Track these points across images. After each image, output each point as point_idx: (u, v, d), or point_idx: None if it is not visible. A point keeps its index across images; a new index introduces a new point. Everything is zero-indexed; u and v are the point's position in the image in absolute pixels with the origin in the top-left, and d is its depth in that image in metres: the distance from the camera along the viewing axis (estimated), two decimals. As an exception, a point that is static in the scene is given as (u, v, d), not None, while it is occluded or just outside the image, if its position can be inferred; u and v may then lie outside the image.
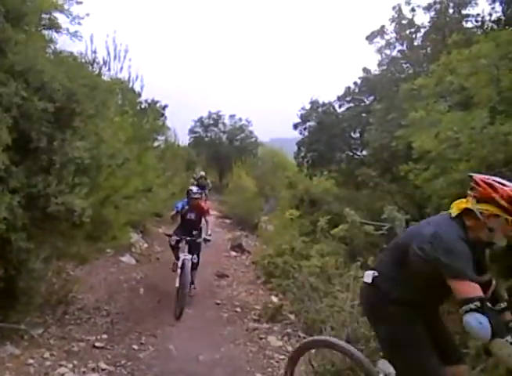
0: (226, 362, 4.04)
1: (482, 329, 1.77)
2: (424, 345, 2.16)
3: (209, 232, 6.25)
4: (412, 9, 12.12)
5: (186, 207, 6.23)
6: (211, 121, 28.97)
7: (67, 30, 5.39)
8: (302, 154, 16.01)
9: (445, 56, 7.55)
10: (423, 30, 12.22)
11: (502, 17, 10.09)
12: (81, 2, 5.68)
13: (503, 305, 2.20)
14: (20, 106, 3.35)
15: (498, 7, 10.22)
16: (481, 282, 1.97)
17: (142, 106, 10.44)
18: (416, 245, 2.05)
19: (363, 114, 14.13)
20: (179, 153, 16.03)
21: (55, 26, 5.29)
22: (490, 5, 10.32)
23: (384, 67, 13.36)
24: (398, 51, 13.01)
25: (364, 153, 14.27)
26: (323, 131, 14.90)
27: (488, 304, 2.02)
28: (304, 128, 15.75)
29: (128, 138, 5.94)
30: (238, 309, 5.89)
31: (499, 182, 2.01)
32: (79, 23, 5.48)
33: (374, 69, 14.07)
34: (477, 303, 1.79)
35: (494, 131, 5.63)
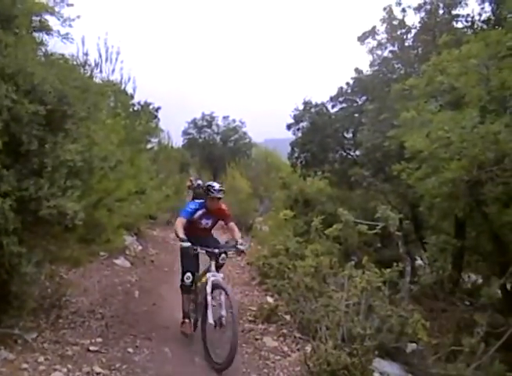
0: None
1: None
2: None
3: (240, 240, 4.47)
4: (403, 10, 12.19)
5: (201, 210, 4.50)
6: (205, 123, 28.95)
7: (58, 32, 5.34)
8: (296, 155, 16.07)
9: (436, 56, 7.63)
10: (413, 31, 12.30)
11: (492, 17, 10.21)
12: (72, 4, 5.64)
13: None
14: (11, 109, 3.31)
15: (487, 7, 10.35)
16: None
17: (135, 109, 10.42)
18: None
19: (356, 115, 14.21)
20: (173, 155, 16.02)
21: (45, 28, 5.24)
22: (480, 5, 10.43)
23: (376, 68, 13.43)
24: (390, 51, 13.08)
25: (357, 153, 14.34)
26: (316, 131, 14.96)
27: None
28: (298, 129, 15.80)
29: (120, 140, 5.91)
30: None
31: None
32: (70, 26, 5.44)
33: (366, 69, 14.15)
34: None
35: (484, 131, 5.70)
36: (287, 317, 5.48)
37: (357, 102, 14.78)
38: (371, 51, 13.50)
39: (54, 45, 5.12)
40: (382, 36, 13.13)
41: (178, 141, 22.84)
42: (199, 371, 3.88)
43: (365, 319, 4.29)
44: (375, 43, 13.34)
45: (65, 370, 3.39)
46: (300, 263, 5.72)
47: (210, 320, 3.91)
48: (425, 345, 4.88)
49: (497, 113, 6.15)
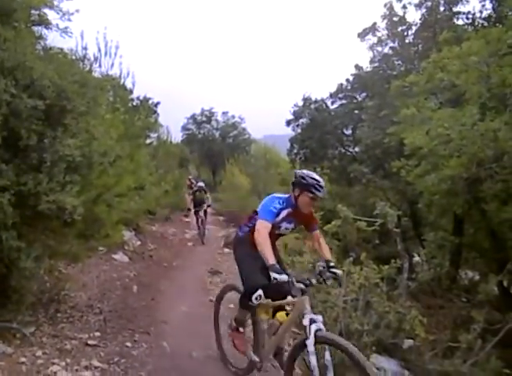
0: (219, 358, 4.05)
1: None
2: None
3: (333, 260, 3.28)
4: (404, 6, 12.20)
5: (286, 210, 3.21)
6: (204, 118, 28.95)
7: (57, 26, 5.31)
8: (295, 151, 16.11)
9: (436, 53, 7.62)
10: (414, 28, 12.29)
11: (493, 15, 10.19)
12: (71, -2, 5.60)
13: None
14: (10, 104, 3.30)
15: (488, 4, 10.34)
16: None
17: (134, 103, 10.39)
18: None
19: (355, 111, 14.22)
20: (172, 151, 16.01)
21: (44, 22, 5.20)
22: (480, 2, 10.43)
23: (376, 64, 13.43)
24: (390, 48, 13.07)
25: (356, 149, 14.38)
26: (316, 127, 14.98)
27: None
28: (297, 125, 15.83)
29: (119, 135, 5.89)
30: (232, 306, 5.89)
31: None
32: (69, 20, 5.40)
33: (366, 66, 14.17)
34: None
35: (484, 128, 5.71)
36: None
37: (357, 98, 14.79)
38: (371, 47, 13.50)
39: (53, 39, 5.08)
40: (382, 32, 13.15)
41: (177, 136, 22.90)
42: (196, 365, 3.90)
43: (363, 315, 4.32)
44: (375, 39, 13.35)
45: (63, 364, 3.40)
46: (298, 259, 5.74)
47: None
48: (422, 341, 4.91)
49: (497, 111, 6.15)
